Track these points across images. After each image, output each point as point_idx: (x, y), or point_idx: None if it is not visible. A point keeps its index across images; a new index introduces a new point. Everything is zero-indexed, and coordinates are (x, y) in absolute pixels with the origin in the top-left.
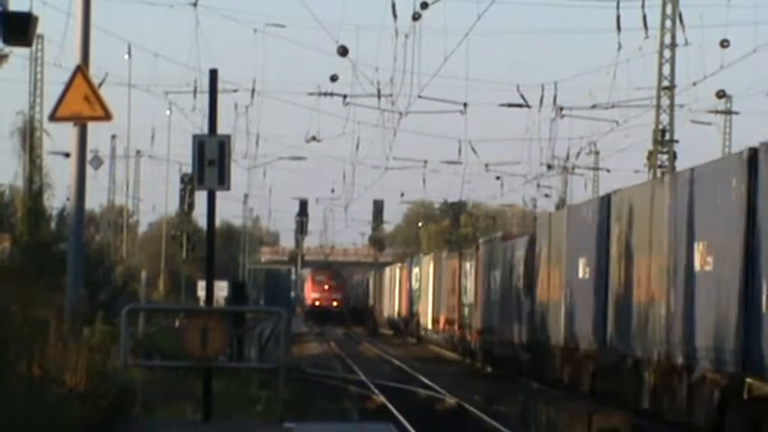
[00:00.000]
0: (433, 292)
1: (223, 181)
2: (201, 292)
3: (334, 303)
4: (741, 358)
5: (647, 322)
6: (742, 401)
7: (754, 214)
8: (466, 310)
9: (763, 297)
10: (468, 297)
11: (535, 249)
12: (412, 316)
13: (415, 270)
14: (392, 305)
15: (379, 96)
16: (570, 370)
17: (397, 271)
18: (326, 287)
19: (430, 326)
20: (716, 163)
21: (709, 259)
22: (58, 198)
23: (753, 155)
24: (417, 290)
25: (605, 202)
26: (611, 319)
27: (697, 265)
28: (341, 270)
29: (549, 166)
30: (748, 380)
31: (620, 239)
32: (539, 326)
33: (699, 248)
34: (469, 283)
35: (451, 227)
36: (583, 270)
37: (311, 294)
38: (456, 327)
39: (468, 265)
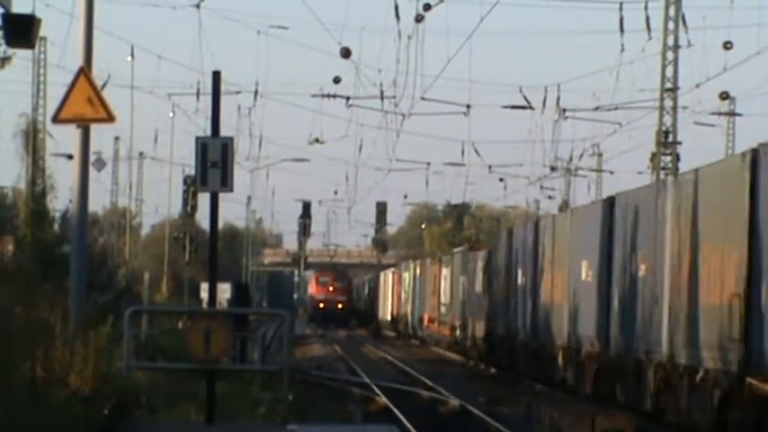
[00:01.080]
0: (419, 294)
1: (226, 183)
2: (204, 294)
3: (339, 305)
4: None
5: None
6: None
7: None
8: (443, 309)
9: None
10: (445, 298)
11: (492, 260)
12: (402, 316)
13: (405, 274)
14: (386, 307)
15: (382, 98)
16: (511, 354)
17: (390, 275)
18: (331, 288)
19: (416, 324)
20: (719, 164)
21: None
22: (61, 200)
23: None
24: (406, 292)
25: (535, 227)
26: (541, 314)
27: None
28: (345, 271)
29: (553, 168)
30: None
31: (545, 254)
32: (492, 321)
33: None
34: (446, 286)
35: (455, 229)
36: (521, 277)
37: (315, 296)
38: (436, 324)
39: (445, 270)
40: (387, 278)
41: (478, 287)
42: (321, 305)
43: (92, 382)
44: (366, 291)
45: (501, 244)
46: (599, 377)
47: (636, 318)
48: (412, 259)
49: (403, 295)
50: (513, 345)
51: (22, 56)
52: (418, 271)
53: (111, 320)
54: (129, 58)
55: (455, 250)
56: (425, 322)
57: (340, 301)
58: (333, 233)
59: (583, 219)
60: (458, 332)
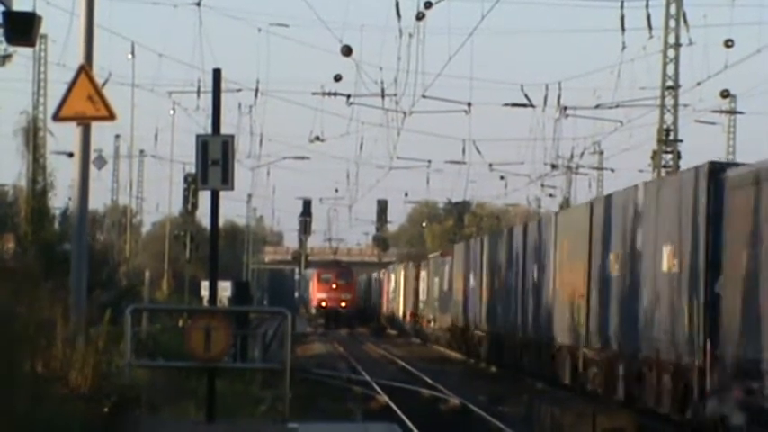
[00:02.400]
0: (404, 292)
1: (226, 181)
2: (205, 292)
3: (342, 304)
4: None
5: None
6: None
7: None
8: (421, 306)
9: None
10: (422, 296)
11: (453, 265)
12: (392, 312)
13: (392, 275)
14: (380, 305)
15: (383, 96)
16: (466, 341)
17: (382, 275)
18: (334, 286)
19: (401, 319)
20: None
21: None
22: (61, 198)
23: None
24: (393, 291)
25: (477, 243)
26: (499, 309)
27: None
28: (349, 267)
29: (554, 166)
30: None
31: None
32: (454, 315)
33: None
34: (423, 286)
35: (455, 227)
36: (473, 279)
37: (317, 294)
38: (416, 318)
39: (423, 272)
40: (380, 278)
41: (446, 287)
42: (323, 304)
43: (92, 380)
44: (372, 288)
45: (459, 253)
46: (508, 352)
47: (541, 312)
48: (406, 259)
49: (391, 294)
50: (467, 333)
51: (22, 54)
52: (403, 273)
53: (109, 316)
54: (130, 56)
55: (430, 255)
56: (408, 317)
57: (344, 300)
58: (334, 231)
59: (498, 240)
60: (431, 324)
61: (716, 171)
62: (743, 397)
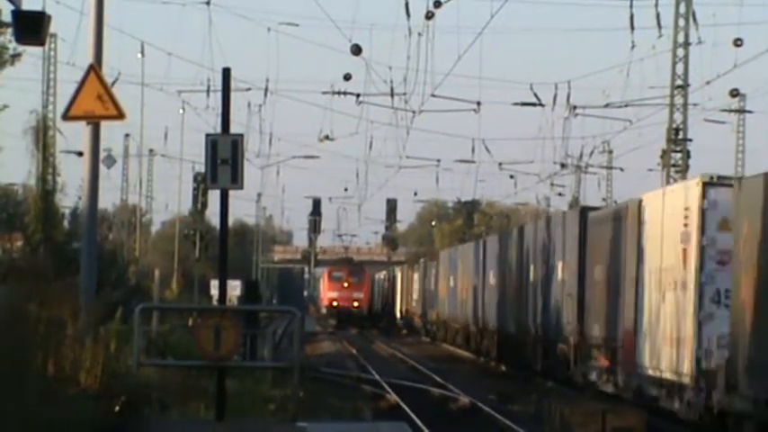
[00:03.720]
0: (401, 291)
1: (236, 180)
2: (214, 291)
3: (355, 303)
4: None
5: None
6: None
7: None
8: (413, 303)
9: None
10: (416, 295)
11: (439, 268)
12: (392, 310)
13: (391, 276)
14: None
15: (392, 95)
16: (446, 332)
17: (382, 276)
18: (345, 285)
19: (398, 315)
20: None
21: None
22: (70, 197)
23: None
24: (396, 290)
25: (456, 251)
26: (478, 305)
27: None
28: (362, 265)
29: (563, 165)
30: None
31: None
32: (440, 310)
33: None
34: (417, 286)
35: (465, 226)
36: (453, 281)
37: (328, 293)
38: (411, 314)
39: (416, 274)
40: (380, 278)
41: (432, 286)
42: (335, 303)
43: (102, 380)
44: (385, 287)
45: (444, 257)
46: (462, 335)
47: (506, 308)
48: (414, 259)
49: (391, 293)
50: (448, 325)
51: (32, 53)
52: (399, 274)
53: (120, 315)
54: (140, 56)
55: (421, 259)
56: (402, 313)
57: (356, 299)
58: (344, 230)
59: (467, 251)
60: (422, 318)
61: (584, 212)
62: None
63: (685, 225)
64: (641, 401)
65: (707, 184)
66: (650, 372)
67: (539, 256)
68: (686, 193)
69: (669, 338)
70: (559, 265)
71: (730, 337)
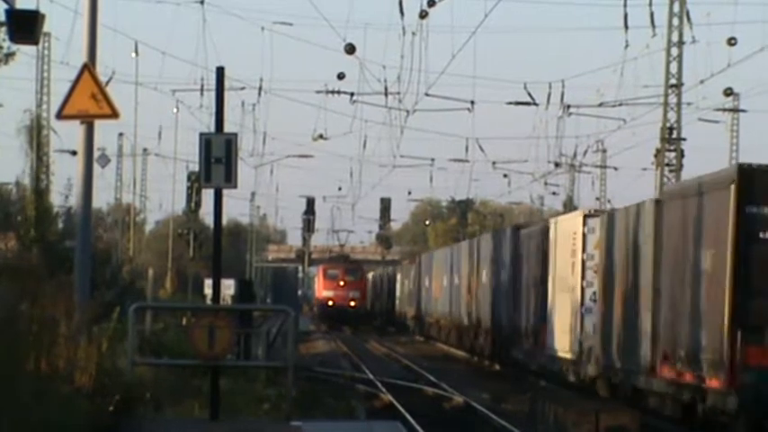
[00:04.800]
0: (387, 291)
1: (230, 179)
2: (208, 291)
3: (351, 303)
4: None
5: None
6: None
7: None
8: (397, 302)
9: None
10: (399, 294)
11: (420, 270)
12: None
13: (391, 274)
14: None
15: (386, 94)
16: (422, 325)
17: (370, 276)
18: (341, 283)
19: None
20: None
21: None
22: (64, 196)
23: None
24: (392, 288)
25: (429, 255)
26: (454, 300)
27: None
28: (359, 263)
29: (557, 164)
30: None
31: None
32: (417, 307)
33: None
34: (399, 286)
35: (459, 225)
36: (426, 281)
37: (323, 292)
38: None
39: (399, 275)
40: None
41: (411, 286)
42: (330, 303)
43: (96, 379)
44: (384, 286)
45: (424, 261)
46: (427, 327)
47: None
48: (409, 258)
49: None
50: (422, 319)
51: (26, 52)
52: (386, 275)
53: (116, 314)
54: (134, 55)
55: (404, 262)
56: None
57: (353, 299)
58: (338, 229)
59: (441, 255)
60: (403, 315)
61: (517, 229)
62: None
63: (573, 244)
64: (549, 374)
65: (586, 216)
66: (553, 352)
67: (489, 263)
68: (574, 222)
69: (564, 327)
70: (502, 271)
71: (599, 325)
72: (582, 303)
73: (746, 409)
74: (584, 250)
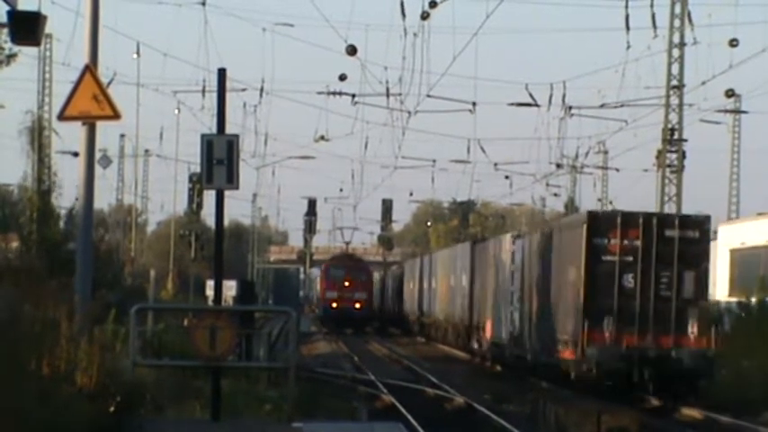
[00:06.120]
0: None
1: (231, 180)
2: (210, 292)
3: (357, 305)
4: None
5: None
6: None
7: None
8: (405, 303)
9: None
10: (406, 293)
11: (405, 274)
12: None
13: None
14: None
15: (387, 95)
16: (402, 321)
17: (387, 274)
18: (346, 284)
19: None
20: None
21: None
22: (66, 197)
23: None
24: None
25: (416, 260)
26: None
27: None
28: (364, 262)
29: (558, 165)
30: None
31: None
32: (420, 308)
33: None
34: (406, 285)
35: (460, 226)
36: (412, 284)
37: (326, 293)
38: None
39: (388, 279)
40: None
41: (413, 287)
42: (334, 305)
43: (97, 380)
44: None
45: (408, 266)
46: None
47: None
48: (410, 259)
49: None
50: (405, 317)
51: (27, 53)
52: (378, 277)
53: (113, 315)
54: (135, 56)
55: (392, 267)
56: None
57: (358, 300)
58: (339, 231)
59: (423, 261)
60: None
61: (476, 242)
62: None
63: (508, 257)
64: (494, 358)
65: (514, 237)
66: (495, 339)
67: (458, 269)
68: (508, 240)
69: (502, 320)
70: (463, 277)
71: (519, 320)
72: (511, 302)
73: (591, 371)
74: (513, 262)
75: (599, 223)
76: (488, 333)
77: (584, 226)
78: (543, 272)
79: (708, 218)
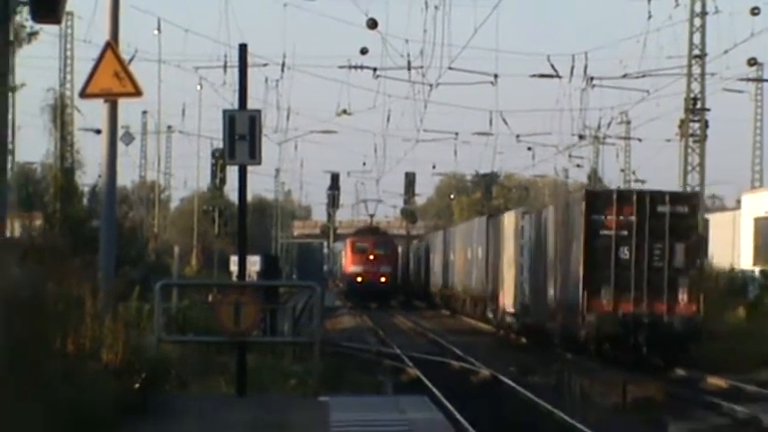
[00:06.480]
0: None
1: (254, 155)
2: (234, 267)
3: (382, 279)
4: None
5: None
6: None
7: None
8: (431, 276)
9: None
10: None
11: (430, 245)
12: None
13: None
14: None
15: (409, 68)
16: (439, 297)
17: (413, 246)
18: (371, 257)
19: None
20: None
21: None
22: (89, 175)
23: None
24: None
25: (423, 241)
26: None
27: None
28: (389, 235)
29: (581, 137)
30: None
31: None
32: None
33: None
34: (431, 259)
35: (483, 198)
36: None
37: (351, 267)
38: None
39: (411, 248)
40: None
41: (417, 260)
42: (359, 279)
43: (122, 356)
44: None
45: (431, 238)
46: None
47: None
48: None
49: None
50: (429, 290)
51: (48, 31)
52: (401, 250)
53: (137, 292)
54: (156, 32)
55: (414, 241)
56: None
57: (383, 274)
58: (362, 205)
59: (434, 238)
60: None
61: (491, 217)
62: (494, 306)
63: (515, 232)
64: (502, 325)
65: (522, 213)
66: (506, 308)
67: (474, 243)
68: (516, 216)
69: (510, 291)
70: (479, 250)
71: (528, 290)
72: (520, 273)
73: (591, 335)
74: (522, 236)
75: (596, 201)
76: (502, 303)
77: (583, 203)
78: (548, 245)
79: (696, 194)
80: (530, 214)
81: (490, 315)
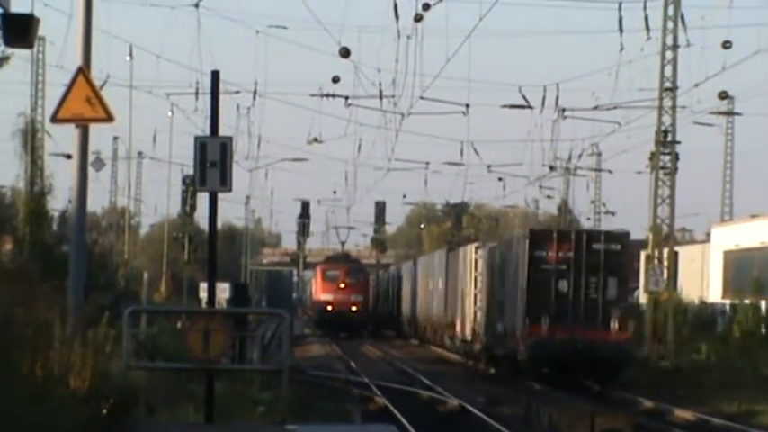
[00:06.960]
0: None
1: (225, 182)
2: (203, 294)
3: (353, 308)
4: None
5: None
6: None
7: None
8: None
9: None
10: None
11: (401, 274)
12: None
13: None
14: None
15: (381, 98)
16: (407, 325)
17: (383, 275)
18: (342, 285)
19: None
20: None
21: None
22: (59, 200)
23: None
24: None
25: (394, 268)
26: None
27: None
28: (361, 263)
29: (552, 168)
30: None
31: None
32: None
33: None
34: (403, 287)
35: (454, 228)
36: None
37: (321, 295)
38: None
39: (381, 276)
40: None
41: (407, 289)
42: (329, 308)
43: (91, 382)
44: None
45: (403, 268)
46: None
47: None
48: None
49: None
50: (399, 319)
51: (20, 55)
52: (391, 276)
53: (107, 317)
54: (128, 58)
55: (382, 270)
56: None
57: (354, 302)
58: (333, 233)
59: (402, 268)
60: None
61: (451, 249)
62: (451, 334)
63: (471, 265)
64: (460, 352)
65: (477, 248)
66: (463, 336)
67: (435, 274)
68: (472, 250)
69: (466, 319)
70: (439, 280)
71: (483, 318)
72: (475, 303)
73: (530, 359)
74: (476, 269)
75: (539, 238)
76: (459, 330)
77: (527, 241)
78: (499, 277)
79: (627, 233)
80: (484, 248)
81: (447, 342)
